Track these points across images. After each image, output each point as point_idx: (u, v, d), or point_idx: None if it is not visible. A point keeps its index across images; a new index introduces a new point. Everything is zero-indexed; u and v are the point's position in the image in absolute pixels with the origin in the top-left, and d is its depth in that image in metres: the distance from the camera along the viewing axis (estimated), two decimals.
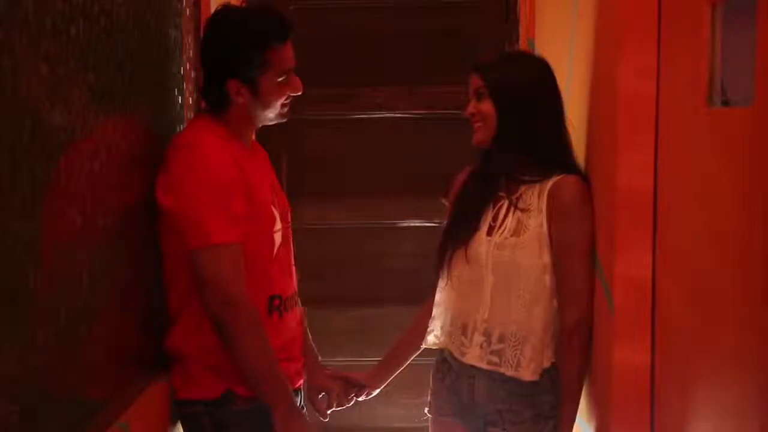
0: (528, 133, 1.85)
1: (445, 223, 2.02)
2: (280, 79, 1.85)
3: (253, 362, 1.79)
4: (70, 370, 1.39)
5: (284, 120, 1.94)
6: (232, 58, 1.83)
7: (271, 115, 1.90)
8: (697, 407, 1.38)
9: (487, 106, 1.85)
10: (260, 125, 1.95)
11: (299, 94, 1.91)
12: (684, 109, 1.45)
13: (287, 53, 1.86)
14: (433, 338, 2.01)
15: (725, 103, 1.37)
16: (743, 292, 1.18)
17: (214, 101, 1.89)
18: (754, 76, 1.13)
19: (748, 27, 1.15)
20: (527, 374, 1.82)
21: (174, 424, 1.91)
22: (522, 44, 2.96)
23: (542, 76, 1.89)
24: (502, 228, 1.86)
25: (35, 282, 1.25)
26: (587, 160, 1.92)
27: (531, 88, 1.87)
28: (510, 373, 1.82)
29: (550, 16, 2.55)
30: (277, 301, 1.89)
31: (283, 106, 1.90)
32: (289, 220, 2.02)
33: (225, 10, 1.90)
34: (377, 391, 2.16)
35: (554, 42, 2.41)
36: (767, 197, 1.10)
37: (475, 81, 1.88)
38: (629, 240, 1.60)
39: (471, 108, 1.88)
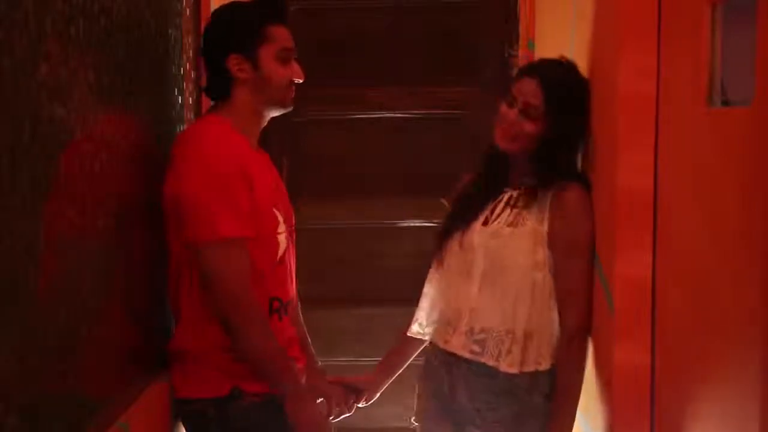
0: (567, 151, 1.86)
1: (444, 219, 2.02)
2: (280, 57, 1.86)
3: (262, 358, 1.79)
4: (70, 370, 1.39)
5: (289, 109, 1.92)
6: (231, 34, 1.87)
7: (274, 97, 1.88)
8: (697, 407, 1.38)
9: (533, 128, 1.81)
10: (265, 115, 1.92)
11: (301, 81, 1.90)
12: (684, 109, 1.46)
13: (284, 34, 1.88)
14: (417, 327, 2.03)
15: (725, 103, 1.37)
16: (743, 292, 1.18)
17: (217, 88, 1.89)
18: (754, 76, 1.13)
19: (748, 27, 1.15)
20: (505, 365, 1.81)
21: (174, 423, 1.90)
22: (522, 44, 2.96)
23: (587, 96, 1.86)
24: (499, 219, 1.86)
25: (35, 282, 1.25)
26: (587, 160, 1.92)
27: (584, 112, 1.84)
28: (491, 362, 1.82)
29: (550, 16, 2.55)
30: (276, 303, 1.88)
31: (286, 90, 1.88)
32: (293, 224, 2.01)
33: (225, 3, 1.96)
34: (376, 395, 2.14)
35: (554, 42, 2.41)
36: (767, 197, 1.10)
37: (532, 94, 1.81)
38: (629, 240, 1.60)
39: (513, 117, 1.82)
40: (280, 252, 1.88)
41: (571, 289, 1.80)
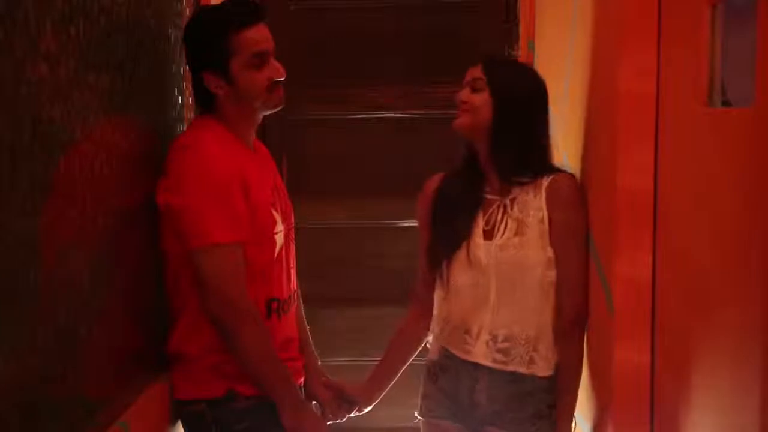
0: (524, 132, 1.87)
1: (425, 231, 2.00)
2: (252, 64, 1.81)
3: (255, 362, 1.79)
4: (70, 370, 1.39)
5: (279, 108, 1.89)
6: (199, 51, 1.85)
7: (257, 103, 1.85)
8: (697, 407, 1.38)
9: (480, 99, 1.87)
10: (257, 117, 1.91)
11: (281, 78, 1.85)
12: (684, 109, 1.46)
13: (254, 36, 1.81)
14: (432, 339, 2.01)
15: (725, 103, 1.37)
16: (743, 292, 1.18)
17: (203, 102, 1.89)
18: (754, 76, 1.13)
19: (748, 27, 1.15)
20: (543, 371, 1.84)
21: (174, 423, 1.91)
22: (522, 44, 2.96)
23: (539, 82, 1.92)
24: (502, 230, 1.86)
25: (35, 282, 1.25)
26: (587, 160, 1.92)
27: (530, 91, 1.89)
28: (522, 370, 1.84)
29: (550, 16, 2.55)
30: (275, 304, 1.88)
31: (268, 91, 1.84)
32: (292, 222, 2.01)
33: (196, 11, 1.93)
34: (370, 407, 2.12)
35: (554, 42, 2.41)
36: (767, 197, 1.10)
37: (475, 72, 1.89)
38: (629, 240, 1.60)
39: (464, 96, 1.89)
40: (276, 251, 1.89)
41: (568, 277, 1.83)
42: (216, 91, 1.84)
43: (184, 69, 2.12)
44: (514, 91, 1.88)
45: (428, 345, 2.04)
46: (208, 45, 1.82)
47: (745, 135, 1.18)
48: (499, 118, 1.86)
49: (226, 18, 1.81)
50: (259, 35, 1.82)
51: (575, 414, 1.87)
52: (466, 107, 1.89)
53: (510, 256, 1.84)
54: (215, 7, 1.89)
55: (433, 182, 2.02)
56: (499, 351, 1.85)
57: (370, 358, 3.13)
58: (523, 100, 1.88)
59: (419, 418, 2.03)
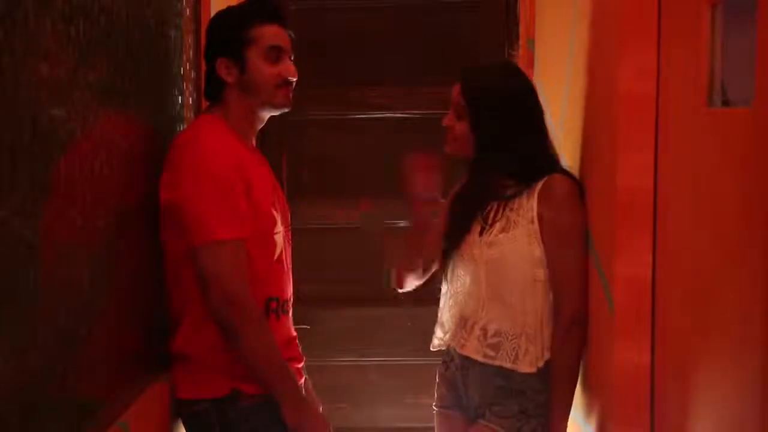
0: (512, 150, 1.89)
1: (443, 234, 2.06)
2: (268, 56, 1.86)
3: (258, 360, 1.79)
4: (70, 370, 1.39)
5: (285, 109, 1.91)
6: (219, 39, 1.91)
7: (263, 96, 1.88)
8: (697, 407, 1.38)
9: (461, 129, 1.91)
10: (261, 115, 1.92)
11: (293, 79, 1.89)
12: (684, 109, 1.46)
13: (273, 32, 1.88)
14: (437, 341, 2.08)
15: (725, 103, 1.37)
16: (743, 292, 1.18)
17: (211, 90, 1.92)
18: (754, 76, 1.13)
19: (748, 27, 1.15)
20: (525, 366, 1.85)
21: (174, 423, 1.90)
22: (522, 44, 2.96)
23: (522, 90, 1.92)
24: (492, 228, 1.90)
25: (35, 282, 1.25)
26: (587, 160, 1.92)
27: (512, 106, 1.89)
28: (508, 365, 1.86)
29: (550, 16, 2.55)
30: (274, 304, 1.89)
31: (277, 89, 1.87)
32: (289, 224, 2.02)
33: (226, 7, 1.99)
34: None
35: (554, 42, 2.41)
36: (767, 197, 1.10)
37: (456, 95, 1.92)
38: (629, 240, 1.60)
39: (448, 121, 1.94)
40: (277, 252, 1.89)
41: (565, 277, 1.84)
42: (226, 78, 1.87)
43: (184, 69, 2.12)
44: (495, 114, 1.88)
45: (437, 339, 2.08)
46: (229, 33, 1.88)
47: (745, 135, 1.18)
48: (482, 147, 1.89)
49: (250, 11, 1.89)
50: (278, 33, 1.89)
51: (574, 414, 1.87)
52: (450, 135, 1.94)
53: (495, 253, 1.87)
54: (242, 3, 1.95)
55: (455, 189, 2.09)
56: (489, 346, 1.89)
57: (370, 358, 3.13)
58: (506, 120, 1.88)
59: (435, 409, 2.08)
